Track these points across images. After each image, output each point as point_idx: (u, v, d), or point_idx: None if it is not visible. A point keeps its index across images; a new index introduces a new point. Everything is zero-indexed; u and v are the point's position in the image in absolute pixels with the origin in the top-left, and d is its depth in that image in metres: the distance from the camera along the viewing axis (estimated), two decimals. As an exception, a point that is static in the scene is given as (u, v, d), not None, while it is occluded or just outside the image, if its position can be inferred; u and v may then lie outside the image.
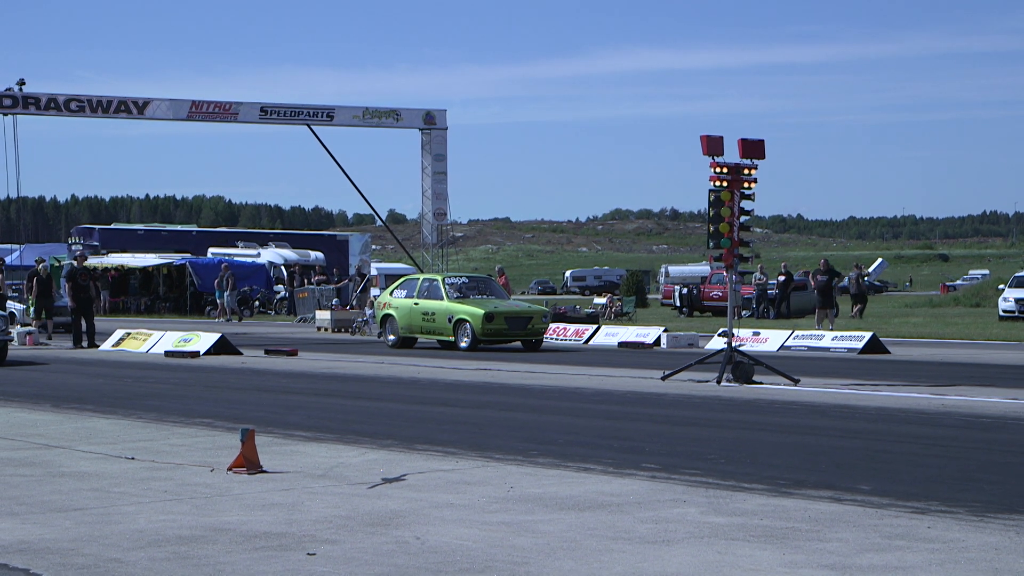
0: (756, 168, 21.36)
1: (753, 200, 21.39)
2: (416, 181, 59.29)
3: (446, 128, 60.00)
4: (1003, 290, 48.74)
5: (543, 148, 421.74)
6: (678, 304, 55.89)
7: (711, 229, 21.30)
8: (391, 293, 33.67)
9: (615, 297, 52.68)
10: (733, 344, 21.51)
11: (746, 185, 21.28)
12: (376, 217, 76.52)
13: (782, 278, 50.26)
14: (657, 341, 33.17)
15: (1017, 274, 50.74)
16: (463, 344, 31.03)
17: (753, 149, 21.36)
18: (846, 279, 51.30)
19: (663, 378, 21.56)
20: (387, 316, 33.13)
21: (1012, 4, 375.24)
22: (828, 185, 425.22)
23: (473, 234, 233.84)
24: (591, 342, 34.93)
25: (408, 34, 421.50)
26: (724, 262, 21.51)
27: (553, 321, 35.81)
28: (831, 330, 34.74)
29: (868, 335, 30.20)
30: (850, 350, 29.62)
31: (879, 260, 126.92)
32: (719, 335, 30.72)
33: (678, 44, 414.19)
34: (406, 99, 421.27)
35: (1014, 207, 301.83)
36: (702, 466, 11.83)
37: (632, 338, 34.05)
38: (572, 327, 36.92)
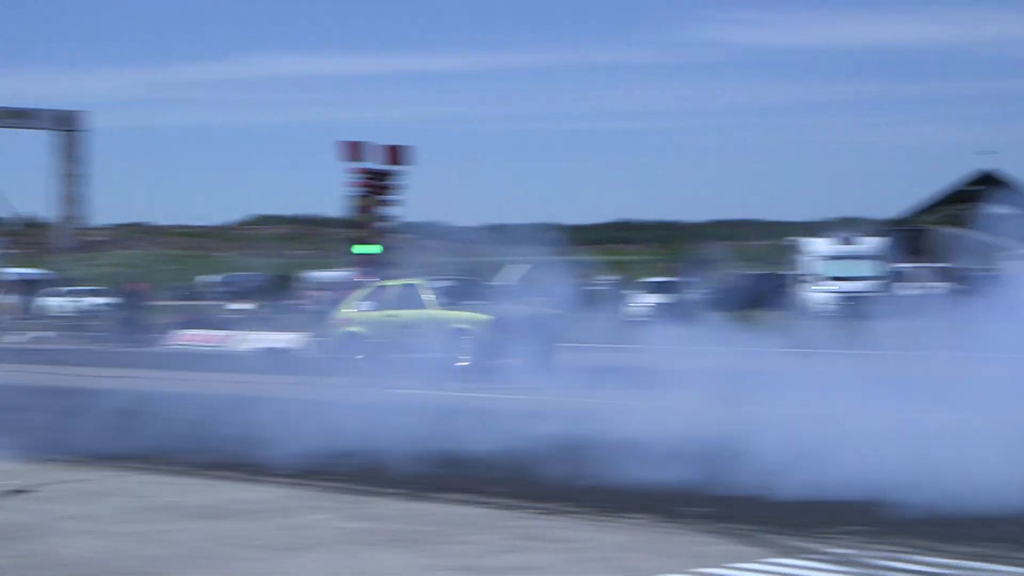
0: (401, 174, 21.55)
1: (398, 206, 21.55)
2: (50, 184, 57.56)
3: (85, 131, 58.40)
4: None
5: (184, 152, 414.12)
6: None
7: (352, 235, 21.39)
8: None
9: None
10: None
11: (390, 191, 21.44)
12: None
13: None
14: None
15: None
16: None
17: (397, 155, 21.55)
18: None
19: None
20: None
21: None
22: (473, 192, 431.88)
23: (117, 239, 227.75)
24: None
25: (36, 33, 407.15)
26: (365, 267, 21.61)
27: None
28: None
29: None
30: None
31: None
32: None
33: (319, 49, 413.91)
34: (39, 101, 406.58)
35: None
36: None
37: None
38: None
